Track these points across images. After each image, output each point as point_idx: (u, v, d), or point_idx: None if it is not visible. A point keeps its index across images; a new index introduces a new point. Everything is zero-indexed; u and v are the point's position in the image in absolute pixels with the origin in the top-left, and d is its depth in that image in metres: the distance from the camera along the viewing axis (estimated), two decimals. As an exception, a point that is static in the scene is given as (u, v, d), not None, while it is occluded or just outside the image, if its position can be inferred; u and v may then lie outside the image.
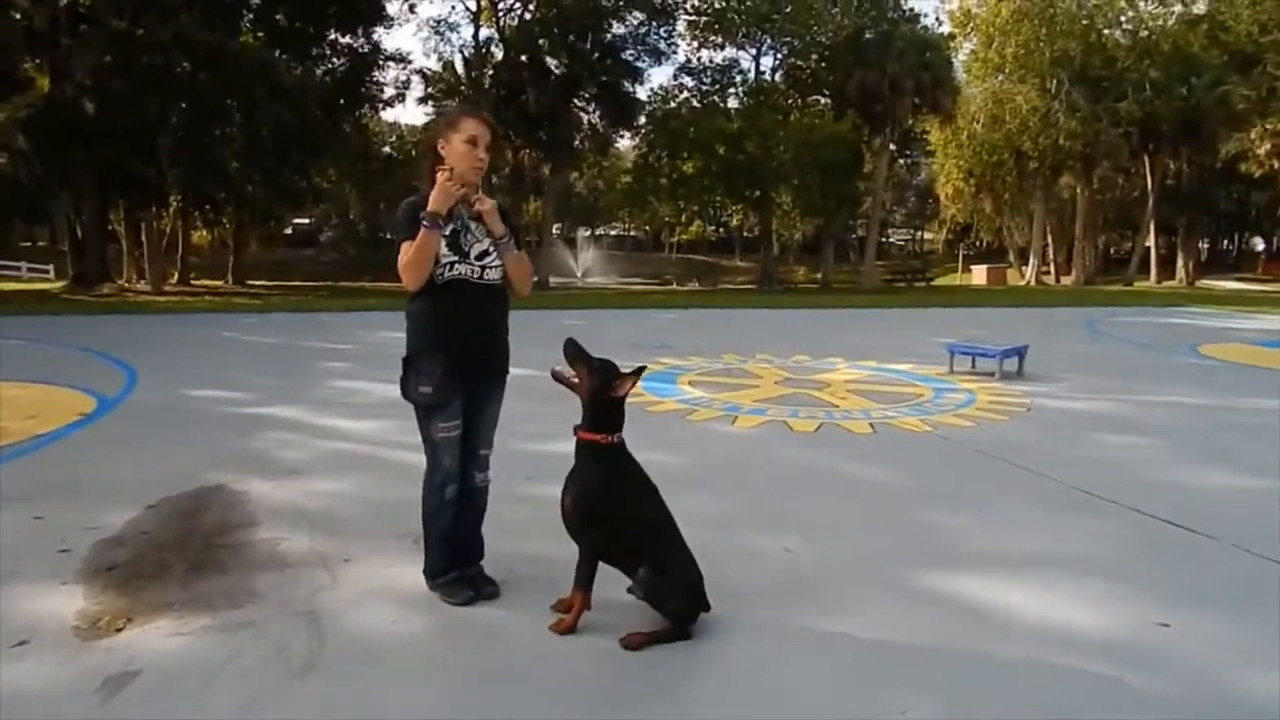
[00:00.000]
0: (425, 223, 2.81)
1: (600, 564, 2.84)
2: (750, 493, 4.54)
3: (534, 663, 2.65)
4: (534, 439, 5.21)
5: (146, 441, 5.46)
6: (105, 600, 3.02)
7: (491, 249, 2.96)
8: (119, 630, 2.79)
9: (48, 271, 31.47)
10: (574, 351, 2.88)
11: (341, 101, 27.13)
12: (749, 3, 30.17)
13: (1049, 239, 38.21)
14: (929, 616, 3.00)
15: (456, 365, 2.92)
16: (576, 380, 2.86)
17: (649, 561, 2.76)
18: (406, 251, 2.85)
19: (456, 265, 2.91)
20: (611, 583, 2.85)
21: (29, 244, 44.13)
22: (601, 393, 2.82)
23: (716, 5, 30.90)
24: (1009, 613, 3.04)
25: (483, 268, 2.95)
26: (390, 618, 2.92)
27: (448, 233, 2.90)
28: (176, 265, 28.32)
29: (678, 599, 2.77)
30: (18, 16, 20.97)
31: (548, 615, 2.92)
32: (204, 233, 36.14)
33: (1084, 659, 2.70)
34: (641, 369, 2.93)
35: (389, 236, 3.29)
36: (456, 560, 3.12)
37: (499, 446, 3.20)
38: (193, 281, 28.52)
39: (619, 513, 2.81)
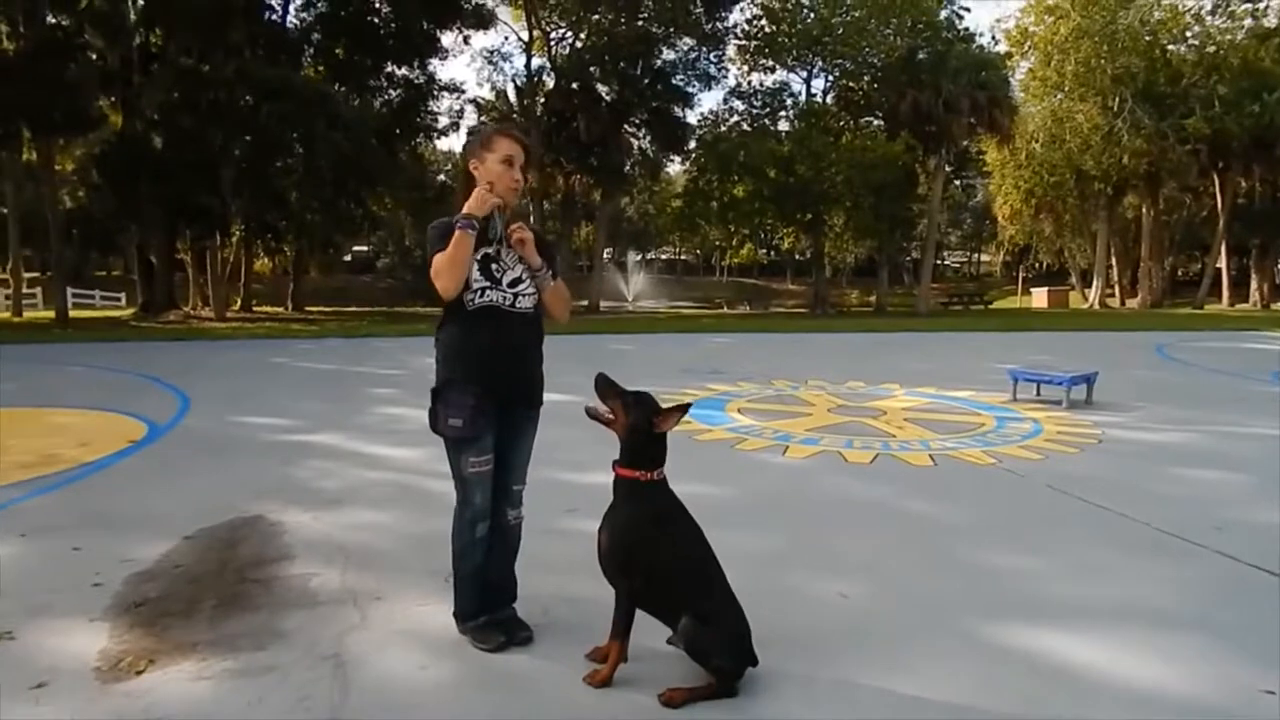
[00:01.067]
0: (459, 223, 2.70)
1: (641, 611, 2.65)
2: (802, 529, 4.30)
3: (565, 718, 2.47)
4: (575, 469, 5.06)
5: (192, 469, 5.46)
6: (130, 639, 2.93)
7: (525, 276, 2.84)
8: (140, 673, 2.68)
9: (119, 299, 32.72)
10: (605, 386, 2.70)
11: (398, 131, 27.75)
12: (800, 25, 30.04)
13: (1113, 260, 36.97)
14: (1003, 675, 2.73)
15: (488, 396, 2.79)
16: (611, 416, 2.69)
17: (691, 611, 2.56)
18: (440, 258, 2.75)
19: (488, 292, 2.78)
20: (653, 631, 2.65)
21: (104, 273, 46.04)
22: (640, 428, 2.64)
23: (766, 29, 30.85)
24: (1092, 672, 2.75)
25: (515, 295, 2.82)
26: (418, 664, 2.77)
27: (480, 256, 2.78)
28: (240, 292, 29.17)
29: (723, 653, 2.55)
30: (94, 57, 22.00)
31: (583, 664, 2.73)
32: (265, 260, 37.18)
33: (1180, 729, 2.41)
34: (687, 405, 2.74)
35: (424, 255, 3.21)
36: (488, 602, 2.95)
37: (537, 477, 3.05)
38: (255, 308, 29.33)
39: (659, 556, 2.61)
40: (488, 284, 2.78)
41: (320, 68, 26.71)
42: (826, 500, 4.90)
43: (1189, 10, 31.99)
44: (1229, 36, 31.86)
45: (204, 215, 22.84)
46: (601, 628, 2.74)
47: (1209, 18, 32.27)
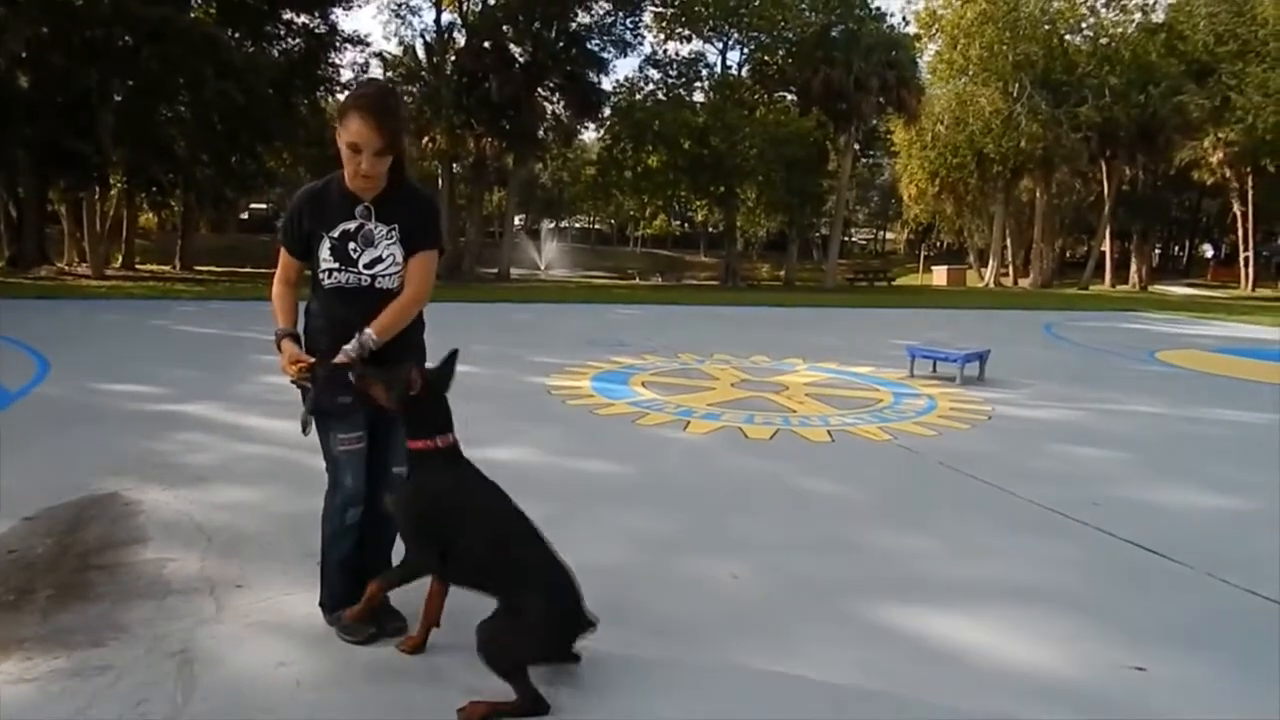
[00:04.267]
0: (277, 334, 2.60)
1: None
2: (698, 508, 4.22)
3: (437, 715, 2.30)
4: (478, 444, 4.81)
5: (42, 441, 4.98)
6: (-58, 637, 2.60)
7: (386, 255, 2.56)
8: (-52, 677, 2.38)
9: (-16, 252, 30.10)
10: (364, 375, 2.47)
11: (296, 83, 26.25)
12: (717, -5, 29.82)
13: (1008, 241, 38.59)
14: (886, 658, 2.70)
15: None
16: (372, 395, 2.47)
17: (502, 603, 2.36)
18: (278, 276, 2.69)
19: (337, 274, 2.54)
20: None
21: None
22: (404, 393, 2.41)
23: (684, -3, 30.51)
24: (972, 655, 2.75)
25: (373, 276, 2.56)
26: (276, 659, 2.55)
27: (338, 234, 2.54)
28: (122, 249, 27.27)
29: (519, 653, 2.29)
30: (-52, -17, 19.88)
31: (460, 655, 2.55)
32: (152, 216, 34.85)
33: (1052, 710, 2.42)
34: (453, 354, 2.54)
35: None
36: (359, 591, 2.74)
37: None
38: (138, 266, 27.50)
39: (453, 532, 2.42)
40: (337, 265, 2.54)
41: (212, 9, 24.94)
42: (725, 478, 4.84)
43: (1084, 2, 33.34)
44: (1120, 30, 33.38)
45: (77, 163, 21.08)
46: (481, 611, 2.58)
47: (1103, 10, 33.74)
